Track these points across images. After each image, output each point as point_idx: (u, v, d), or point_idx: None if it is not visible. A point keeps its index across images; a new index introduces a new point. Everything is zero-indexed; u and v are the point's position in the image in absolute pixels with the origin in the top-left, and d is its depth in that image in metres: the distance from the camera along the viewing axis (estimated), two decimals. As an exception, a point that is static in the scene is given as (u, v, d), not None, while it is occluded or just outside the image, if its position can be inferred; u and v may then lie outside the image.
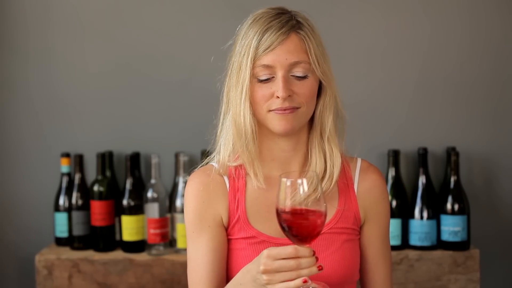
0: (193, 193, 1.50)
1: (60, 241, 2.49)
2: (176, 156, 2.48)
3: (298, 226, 1.26)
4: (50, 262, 2.36)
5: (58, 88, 2.58)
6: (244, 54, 1.43)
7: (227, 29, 2.46)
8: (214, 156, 1.53)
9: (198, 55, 2.55)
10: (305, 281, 1.25)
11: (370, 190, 1.53)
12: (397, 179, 2.46)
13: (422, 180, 2.45)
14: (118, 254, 2.39)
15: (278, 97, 1.41)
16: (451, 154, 2.43)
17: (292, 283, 1.25)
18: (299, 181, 1.25)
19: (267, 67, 1.41)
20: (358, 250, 1.53)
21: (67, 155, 2.51)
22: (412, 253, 2.37)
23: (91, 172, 2.55)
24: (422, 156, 2.46)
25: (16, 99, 2.58)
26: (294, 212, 1.25)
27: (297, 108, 1.43)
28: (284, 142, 1.49)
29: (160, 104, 2.57)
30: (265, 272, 1.26)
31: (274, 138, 1.48)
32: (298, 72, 1.42)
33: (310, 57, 1.43)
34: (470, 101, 2.57)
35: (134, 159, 2.48)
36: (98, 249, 2.42)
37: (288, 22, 1.43)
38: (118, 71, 2.57)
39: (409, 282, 2.36)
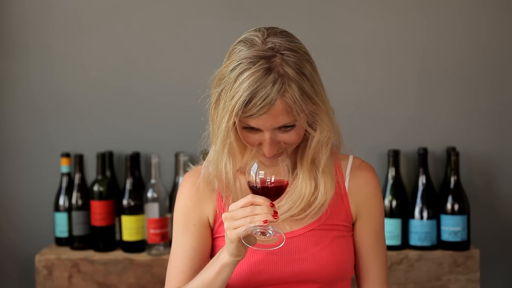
0: (182, 192, 1.55)
1: (60, 241, 2.49)
2: (176, 156, 2.48)
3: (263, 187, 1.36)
4: (50, 262, 2.36)
5: (58, 88, 2.58)
6: (225, 116, 1.39)
7: (227, 29, 2.48)
8: (205, 155, 1.56)
9: (198, 55, 2.55)
10: (265, 221, 1.30)
11: (362, 187, 1.54)
12: (397, 179, 2.46)
13: (422, 180, 2.45)
14: (118, 254, 2.39)
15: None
16: (451, 154, 2.43)
17: (251, 224, 1.30)
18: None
19: (252, 127, 1.39)
20: (351, 246, 1.54)
21: (67, 155, 2.51)
22: (412, 253, 2.37)
23: (91, 172, 2.55)
24: (422, 156, 2.46)
25: (16, 99, 2.58)
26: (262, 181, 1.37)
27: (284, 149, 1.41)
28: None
29: (160, 104, 2.57)
30: (225, 219, 1.33)
31: None
32: (284, 128, 1.39)
33: (295, 115, 1.37)
34: (470, 101, 2.57)
35: (134, 159, 2.48)
36: (98, 249, 2.42)
37: (274, 86, 1.34)
38: (118, 71, 2.57)
39: (409, 282, 2.36)
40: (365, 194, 1.54)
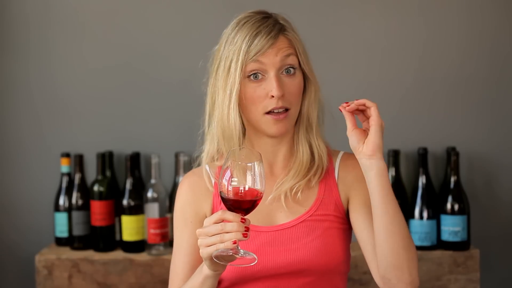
0: (180, 192, 1.60)
1: (60, 241, 2.49)
2: (176, 156, 2.48)
3: (233, 201, 1.31)
4: (50, 262, 2.36)
5: (58, 88, 2.58)
6: (233, 59, 1.48)
7: (227, 29, 2.48)
8: (203, 157, 1.62)
9: (198, 55, 2.54)
10: (234, 242, 1.27)
11: (350, 171, 1.58)
12: (397, 179, 2.46)
13: (422, 180, 2.45)
14: (118, 254, 2.39)
15: (272, 96, 1.47)
16: (451, 154, 2.43)
17: (222, 245, 1.28)
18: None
19: (258, 64, 1.47)
20: (345, 239, 1.55)
21: (67, 155, 2.51)
22: (412, 253, 2.37)
23: (91, 172, 2.55)
24: (422, 156, 2.46)
25: (16, 99, 2.58)
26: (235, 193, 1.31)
27: (288, 109, 1.49)
28: (271, 140, 1.56)
29: (160, 104, 2.57)
30: (199, 235, 1.33)
31: (262, 136, 1.55)
32: (287, 68, 1.49)
33: (297, 52, 1.50)
34: (470, 101, 2.57)
35: (134, 159, 2.48)
36: (98, 249, 2.42)
37: (275, 26, 1.50)
38: (118, 71, 2.57)
39: (409, 282, 2.36)
40: (354, 175, 1.57)
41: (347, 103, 1.42)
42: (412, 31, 2.56)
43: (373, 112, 1.40)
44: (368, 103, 1.41)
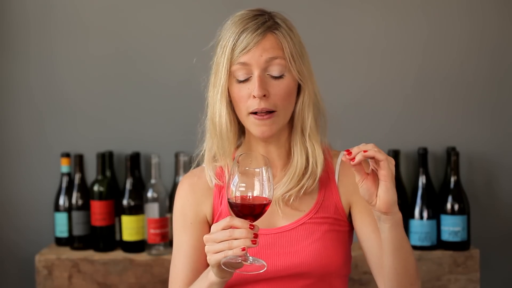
0: (179, 193, 1.59)
1: (60, 241, 2.49)
2: (176, 156, 2.48)
3: (241, 206, 1.29)
4: (50, 262, 2.36)
5: (59, 88, 2.58)
6: (221, 55, 1.47)
7: (227, 29, 2.48)
8: (204, 156, 1.60)
9: (198, 55, 2.54)
10: (243, 249, 1.25)
11: (351, 175, 1.52)
12: (397, 179, 2.46)
13: (422, 180, 2.45)
14: (118, 254, 2.39)
15: (254, 96, 1.45)
16: (451, 154, 2.43)
17: (230, 251, 1.26)
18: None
19: (244, 65, 1.45)
20: (345, 242, 1.53)
21: (67, 155, 2.51)
22: (412, 253, 2.37)
23: (91, 172, 2.55)
24: (422, 156, 2.46)
25: (16, 99, 2.58)
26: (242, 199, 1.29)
27: (273, 111, 1.46)
28: (265, 142, 1.54)
29: (160, 104, 2.57)
30: (206, 241, 1.30)
31: (256, 137, 1.53)
32: (274, 70, 1.46)
33: (285, 54, 1.46)
34: (470, 101, 2.57)
35: (134, 159, 2.48)
36: (98, 249, 2.42)
37: (264, 24, 1.46)
38: (118, 71, 2.57)
39: (409, 282, 2.36)
40: (355, 180, 1.53)
41: (349, 152, 1.30)
42: (413, 31, 2.56)
43: (383, 166, 1.29)
44: (378, 155, 1.28)
